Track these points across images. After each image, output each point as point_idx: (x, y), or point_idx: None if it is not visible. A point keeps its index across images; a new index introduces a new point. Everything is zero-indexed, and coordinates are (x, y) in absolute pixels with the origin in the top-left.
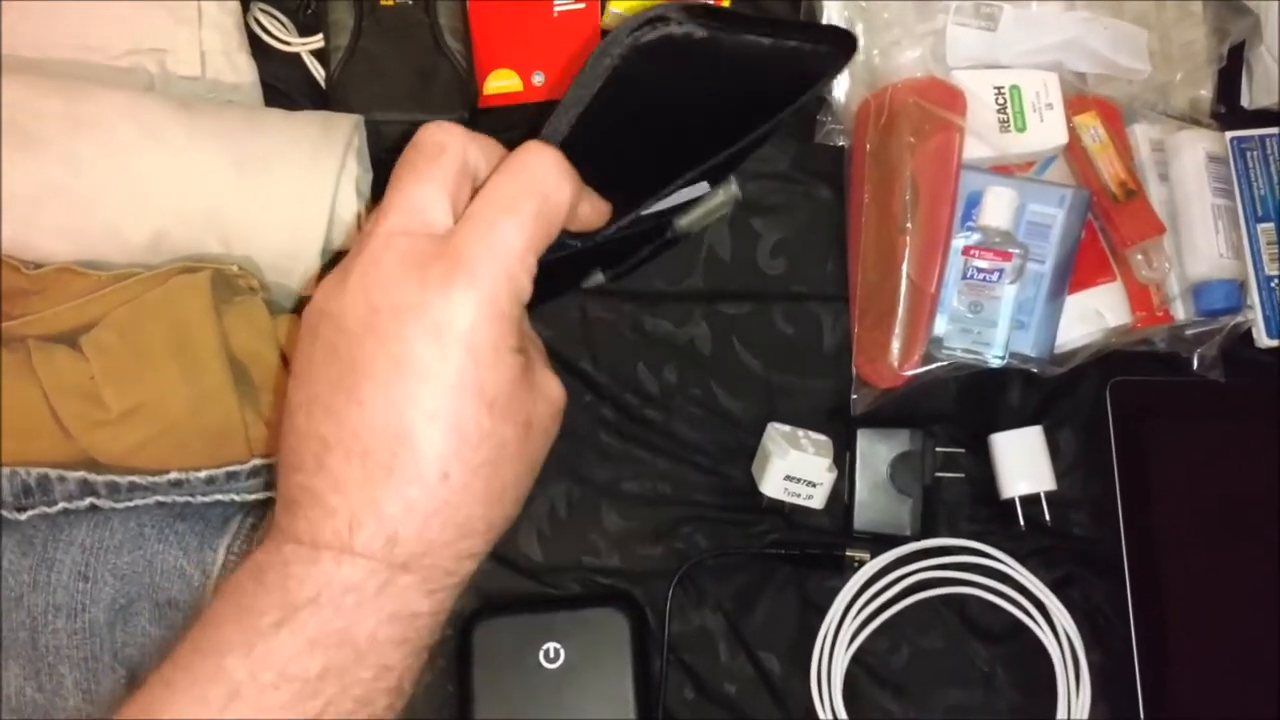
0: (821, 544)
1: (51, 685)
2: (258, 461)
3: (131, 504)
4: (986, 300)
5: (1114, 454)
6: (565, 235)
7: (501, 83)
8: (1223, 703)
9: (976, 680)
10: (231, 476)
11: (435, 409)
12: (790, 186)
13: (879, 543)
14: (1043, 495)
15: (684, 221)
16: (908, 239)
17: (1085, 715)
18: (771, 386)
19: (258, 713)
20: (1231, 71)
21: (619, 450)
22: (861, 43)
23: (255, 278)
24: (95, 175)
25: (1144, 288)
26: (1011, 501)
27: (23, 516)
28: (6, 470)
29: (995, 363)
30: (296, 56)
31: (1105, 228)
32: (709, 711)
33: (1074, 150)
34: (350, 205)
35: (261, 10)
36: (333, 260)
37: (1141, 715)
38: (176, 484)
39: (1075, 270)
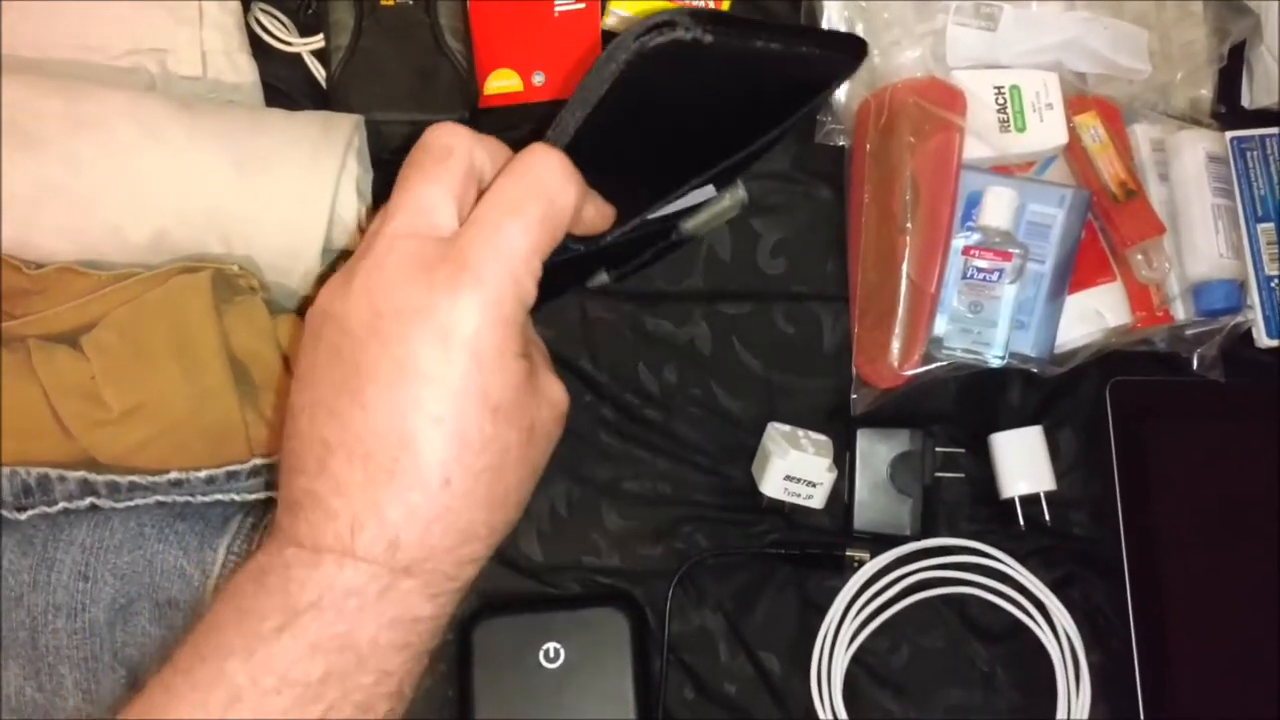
0: (821, 544)
1: (51, 685)
2: (258, 461)
3: (131, 504)
4: (986, 300)
5: (1114, 454)
6: (569, 239)
7: (502, 83)
8: (1223, 703)
9: (976, 680)
10: (232, 476)
11: (439, 413)
12: (790, 186)
13: (879, 543)
14: (1043, 495)
15: (690, 225)
16: (908, 239)
17: (1085, 715)
18: (771, 386)
19: (259, 717)
20: (1232, 71)
21: (619, 450)
22: None
23: (255, 278)
24: (95, 175)
25: (1144, 288)
26: (1011, 501)
27: (23, 516)
28: (6, 470)
29: (995, 363)
30: (297, 56)
31: (1105, 228)
32: (709, 711)
33: (1074, 150)
34: (350, 205)
35: (262, 10)
36: (337, 261)
37: (1141, 715)
38: (176, 484)
39: (1075, 270)
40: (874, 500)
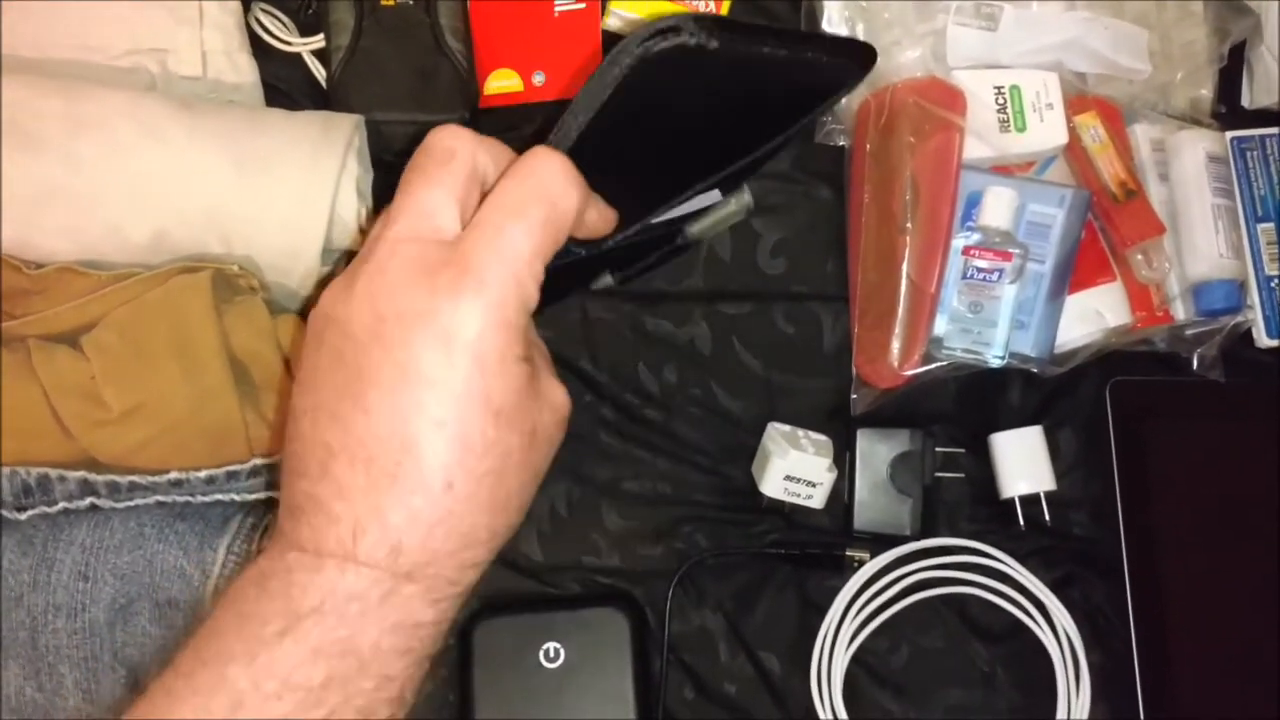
0: (821, 544)
1: (51, 685)
2: (258, 461)
3: (131, 504)
4: (986, 300)
5: (1114, 454)
6: (572, 242)
7: (502, 83)
8: (1223, 703)
9: (976, 680)
10: (232, 476)
11: (441, 417)
12: (790, 186)
13: (879, 543)
14: (1043, 495)
15: (695, 229)
16: (908, 239)
17: (1085, 715)
18: (771, 386)
19: None
20: (1232, 71)
21: (619, 450)
22: None
23: (255, 278)
24: (96, 175)
25: (1144, 288)
26: (1011, 501)
27: (23, 516)
28: (6, 470)
29: (995, 363)
30: (297, 56)
31: (1105, 228)
32: (709, 711)
33: (1074, 150)
34: (351, 205)
35: (262, 10)
36: (339, 262)
37: (1141, 715)
38: (176, 484)
39: (1075, 270)
40: (874, 500)
